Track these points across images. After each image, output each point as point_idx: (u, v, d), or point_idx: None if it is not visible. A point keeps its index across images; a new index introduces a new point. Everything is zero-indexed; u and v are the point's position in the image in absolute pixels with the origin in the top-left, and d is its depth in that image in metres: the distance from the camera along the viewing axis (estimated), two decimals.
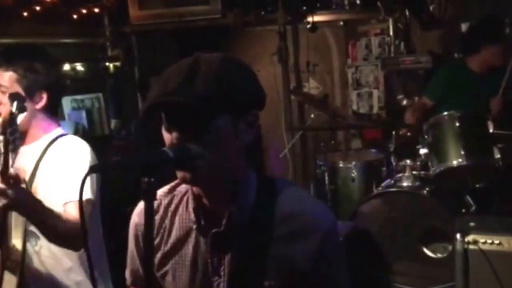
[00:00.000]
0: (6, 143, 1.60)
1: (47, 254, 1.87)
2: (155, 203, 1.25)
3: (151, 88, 1.11)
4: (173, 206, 1.26)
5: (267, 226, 1.16)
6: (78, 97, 4.79)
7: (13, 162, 1.66)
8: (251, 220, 1.16)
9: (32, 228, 1.84)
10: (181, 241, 1.23)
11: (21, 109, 1.67)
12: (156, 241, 1.26)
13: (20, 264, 1.83)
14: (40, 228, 1.73)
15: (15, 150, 1.64)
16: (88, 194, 1.83)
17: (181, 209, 1.24)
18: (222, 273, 1.19)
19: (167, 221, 1.26)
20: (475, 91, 3.42)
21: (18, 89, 1.83)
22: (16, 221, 1.82)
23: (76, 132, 4.09)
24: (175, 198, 1.27)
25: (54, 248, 1.85)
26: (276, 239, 1.16)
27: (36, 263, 1.87)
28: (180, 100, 1.04)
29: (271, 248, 1.15)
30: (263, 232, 1.16)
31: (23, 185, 1.71)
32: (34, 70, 1.85)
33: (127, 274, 1.39)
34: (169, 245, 1.24)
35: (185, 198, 1.25)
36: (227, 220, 1.15)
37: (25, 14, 4.02)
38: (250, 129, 1.15)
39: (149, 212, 1.01)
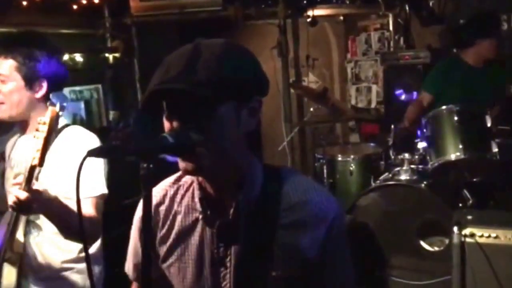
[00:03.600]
0: (46, 142, 1.57)
1: (48, 246, 1.86)
2: (161, 194, 1.25)
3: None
4: (179, 196, 1.23)
5: (273, 216, 1.15)
6: (77, 88, 4.77)
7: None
8: (257, 209, 1.14)
9: (34, 219, 1.84)
10: (186, 232, 1.20)
11: (62, 108, 1.63)
12: (163, 232, 1.23)
13: (21, 256, 1.82)
14: (56, 225, 1.71)
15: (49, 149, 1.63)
16: (103, 189, 1.82)
17: (186, 199, 1.22)
18: (228, 264, 1.17)
19: (172, 212, 1.23)
20: (472, 84, 3.45)
21: (17, 77, 1.80)
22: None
23: (73, 124, 4.07)
24: (181, 188, 1.24)
25: (56, 240, 1.84)
26: (283, 228, 1.14)
27: (37, 254, 1.86)
28: (181, 87, 1.02)
29: (278, 237, 1.14)
30: (270, 221, 1.14)
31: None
32: (34, 58, 1.82)
33: (129, 269, 1.34)
34: (174, 236, 1.22)
35: (191, 188, 1.21)
36: (234, 209, 1.14)
37: (24, 3, 4.01)
38: (253, 116, 1.12)
39: (148, 199, 0.98)
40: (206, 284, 1.20)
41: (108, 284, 2.02)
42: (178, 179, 1.25)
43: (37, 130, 1.59)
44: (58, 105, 1.60)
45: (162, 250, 1.24)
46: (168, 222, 1.23)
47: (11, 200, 1.61)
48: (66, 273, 1.88)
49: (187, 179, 1.24)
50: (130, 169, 1.08)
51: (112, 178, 1.89)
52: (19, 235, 1.82)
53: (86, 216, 1.73)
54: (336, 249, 1.19)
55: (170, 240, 1.22)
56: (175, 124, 1.06)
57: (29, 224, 1.83)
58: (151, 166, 0.96)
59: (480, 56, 3.46)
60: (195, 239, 1.20)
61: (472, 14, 3.71)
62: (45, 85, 1.85)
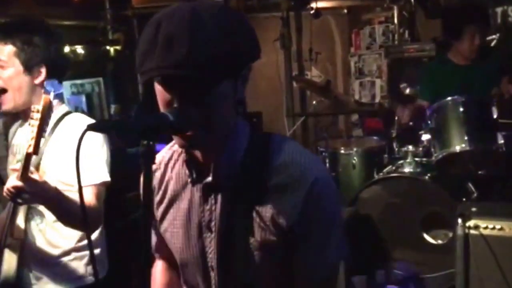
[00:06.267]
0: (39, 130, 1.57)
1: (51, 233, 1.86)
2: (157, 160, 1.25)
3: (141, 42, 1.05)
4: (172, 161, 1.24)
5: (256, 178, 1.11)
6: (78, 81, 4.75)
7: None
8: (241, 171, 1.12)
9: (36, 206, 1.84)
10: (177, 197, 1.21)
11: (57, 96, 1.65)
12: (158, 198, 1.24)
13: (21, 242, 1.83)
14: (56, 215, 1.72)
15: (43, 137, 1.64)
16: (105, 177, 1.82)
17: (178, 164, 1.22)
18: (213, 229, 1.15)
19: (166, 178, 1.24)
20: (464, 83, 3.33)
21: (16, 62, 1.81)
22: None
23: None
24: (175, 153, 1.25)
25: (58, 226, 1.84)
26: (264, 191, 1.10)
27: (39, 241, 1.86)
28: (186, 73, 0.99)
29: (258, 201, 1.10)
30: (252, 184, 1.11)
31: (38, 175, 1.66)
32: (33, 43, 1.83)
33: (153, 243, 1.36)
34: (167, 201, 1.23)
35: (183, 153, 1.21)
36: (213, 171, 1.12)
37: None
38: (244, 84, 1.11)
39: (148, 177, 0.96)
40: (194, 249, 1.19)
41: (111, 276, 2.00)
42: (173, 145, 1.26)
43: (31, 118, 1.59)
44: (52, 93, 1.61)
45: (159, 213, 1.25)
46: (162, 187, 1.24)
47: (6, 188, 1.61)
48: (67, 260, 1.89)
49: None
50: (133, 162, 1.06)
51: (115, 171, 1.88)
52: (20, 221, 1.82)
53: (88, 204, 1.72)
54: (316, 218, 1.10)
55: (164, 205, 1.23)
56: (174, 100, 1.04)
57: (31, 210, 1.84)
58: (151, 143, 0.95)
59: (465, 52, 3.30)
60: (184, 203, 1.19)
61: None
62: (44, 71, 1.85)
